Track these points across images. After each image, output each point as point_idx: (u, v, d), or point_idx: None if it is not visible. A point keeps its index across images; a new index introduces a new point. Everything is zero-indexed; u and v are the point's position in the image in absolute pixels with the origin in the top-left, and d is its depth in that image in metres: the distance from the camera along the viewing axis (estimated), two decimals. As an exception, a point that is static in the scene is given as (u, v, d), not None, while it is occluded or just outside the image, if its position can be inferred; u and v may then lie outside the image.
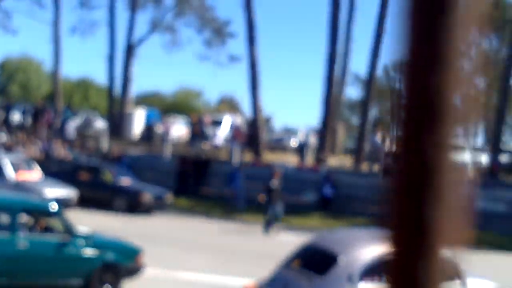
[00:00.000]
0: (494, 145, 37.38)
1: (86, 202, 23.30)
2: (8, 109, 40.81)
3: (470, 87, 1.50)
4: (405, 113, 1.51)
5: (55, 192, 22.08)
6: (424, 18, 1.41)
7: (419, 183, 1.44)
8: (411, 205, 1.45)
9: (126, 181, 26.33)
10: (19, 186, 21.17)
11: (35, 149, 30.18)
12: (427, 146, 1.46)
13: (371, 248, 9.65)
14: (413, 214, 1.44)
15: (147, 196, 25.52)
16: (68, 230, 12.03)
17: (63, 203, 21.54)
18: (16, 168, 22.47)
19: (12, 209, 11.58)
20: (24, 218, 12.07)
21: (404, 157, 1.50)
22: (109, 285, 12.36)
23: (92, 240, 12.27)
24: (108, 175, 26.11)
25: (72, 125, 37.63)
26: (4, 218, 11.53)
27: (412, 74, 1.49)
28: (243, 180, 28.92)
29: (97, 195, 25.04)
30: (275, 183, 23.00)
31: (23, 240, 11.44)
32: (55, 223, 12.32)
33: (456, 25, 1.40)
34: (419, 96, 1.48)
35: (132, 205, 25.16)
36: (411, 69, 1.48)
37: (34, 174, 23.23)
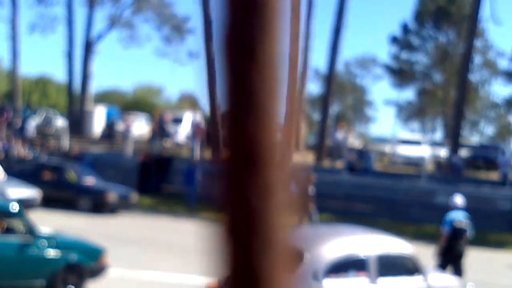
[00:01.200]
0: (453, 140, 37.72)
1: (49, 202, 23.02)
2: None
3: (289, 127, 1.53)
4: (226, 163, 1.59)
5: (19, 192, 21.79)
6: (234, 63, 1.41)
7: (246, 231, 1.55)
8: (240, 253, 1.51)
9: (90, 180, 26.11)
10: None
11: (-6, 149, 29.81)
12: (250, 192, 1.53)
13: (336, 244, 9.71)
14: (242, 262, 1.56)
15: (112, 195, 25.34)
16: (30, 230, 11.86)
17: (27, 204, 21.44)
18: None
19: (-30, 209, 11.40)
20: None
21: (230, 206, 1.52)
22: (73, 286, 12.22)
23: (54, 241, 12.11)
24: (72, 175, 25.84)
25: (32, 124, 37.22)
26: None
27: (230, 120, 1.54)
28: (198, 177, 28.87)
29: (61, 195, 24.79)
30: (310, 189, 22.45)
31: (-18, 241, 11.31)
32: (17, 223, 12.14)
33: (265, 68, 1.40)
34: (237, 143, 1.55)
35: (97, 205, 24.94)
36: (229, 116, 1.54)
37: (-4, 175, 22.95)
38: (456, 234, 14.04)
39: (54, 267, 11.98)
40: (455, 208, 14.52)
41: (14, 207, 12.23)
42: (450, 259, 14.02)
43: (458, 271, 14.03)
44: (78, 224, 21.09)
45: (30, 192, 22.29)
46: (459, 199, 14.74)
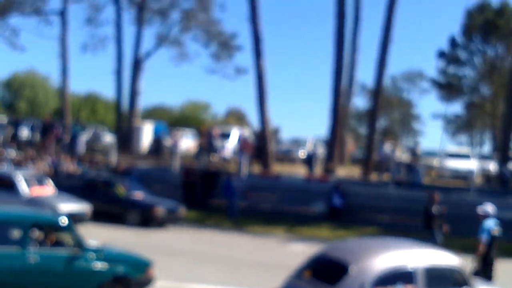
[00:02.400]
0: (502, 152, 37.27)
1: (99, 216, 23.21)
2: (16, 125, 40.91)
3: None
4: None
5: (70, 206, 22.05)
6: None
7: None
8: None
9: (138, 195, 26.28)
10: (33, 202, 21.17)
11: (44, 165, 30.15)
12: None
13: (383, 257, 9.65)
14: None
15: (160, 210, 25.45)
16: (78, 243, 11.98)
17: (78, 218, 21.72)
18: (29, 183, 22.44)
19: (22, 223, 11.55)
20: (34, 232, 12.03)
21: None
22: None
23: (102, 254, 12.21)
24: (120, 189, 26.03)
25: (81, 140, 37.64)
26: (15, 233, 11.49)
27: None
28: (238, 190, 29.03)
29: (110, 209, 24.95)
30: (435, 208, 21.95)
31: (33, 254, 11.39)
32: (65, 237, 12.27)
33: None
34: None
35: (145, 218, 25.07)
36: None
37: (47, 189, 23.17)
38: (492, 242, 13.96)
39: (101, 279, 12.05)
40: (489, 216, 14.39)
41: (63, 221, 12.37)
42: (486, 266, 13.92)
43: (490, 277, 13.94)
44: (126, 237, 21.27)
45: (80, 206, 22.51)
46: (490, 207, 14.60)
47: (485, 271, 13.95)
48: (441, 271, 10.00)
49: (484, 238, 14.02)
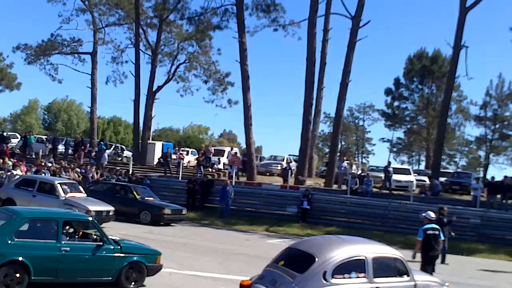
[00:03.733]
0: (434, 169, 37.44)
1: (118, 215, 23.00)
2: (54, 142, 40.69)
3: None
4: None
5: (98, 207, 21.83)
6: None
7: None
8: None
9: (150, 198, 26.13)
10: (69, 203, 20.98)
11: (76, 174, 29.92)
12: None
13: (341, 250, 9.65)
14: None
15: (167, 211, 25.30)
16: (101, 237, 11.91)
17: (105, 217, 21.57)
18: (65, 189, 22.29)
19: (56, 221, 11.46)
20: (66, 227, 11.98)
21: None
22: (135, 281, 12.23)
23: (121, 245, 12.13)
24: (136, 194, 25.86)
25: (105, 154, 37.45)
26: (51, 228, 11.38)
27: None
28: (230, 196, 28.99)
29: (127, 210, 24.70)
30: (444, 220, 21.29)
31: (65, 245, 11.33)
32: (91, 231, 12.19)
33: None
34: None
35: (156, 218, 24.87)
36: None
37: (80, 194, 22.96)
38: (428, 241, 13.86)
39: (120, 265, 11.96)
40: (432, 221, 14.33)
41: (90, 219, 12.31)
42: (427, 261, 13.88)
43: (433, 269, 13.91)
44: (140, 233, 21.10)
45: (107, 207, 22.26)
46: (432, 214, 14.56)
47: (427, 264, 13.86)
48: (386, 262, 10.00)
49: (419, 237, 13.95)
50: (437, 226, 14.22)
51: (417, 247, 14.01)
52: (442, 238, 14.33)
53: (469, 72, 38.17)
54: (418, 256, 13.95)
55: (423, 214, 14.63)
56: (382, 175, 39.29)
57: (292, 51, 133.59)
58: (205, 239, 21.92)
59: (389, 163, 37.30)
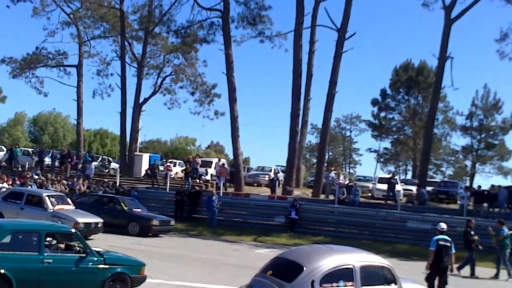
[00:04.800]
0: (421, 178, 37.44)
1: (106, 227, 22.74)
2: (40, 154, 40.38)
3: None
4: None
5: (87, 219, 21.60)
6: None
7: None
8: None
9: (138, 210, 25.88)
10: (57, 215, 20.73)
11: (62, 186, 29.64)
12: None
13: (328, 260, 9.57)
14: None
15: (155, 222, 25.10)
16: (85, 248, 11.71)
17: (93, 229, 21.32)
18: (53, 201, 22.01)
19: (39, 232, 11.26)
20: (49, 239, 11.77)
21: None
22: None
23: (104, 257, 11.94)
24: (123, 205, 25.59)
25: (92, 166, 37.14)
26: (33, 240, 11.19)
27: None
28: (216, 206, 28.87)
29: (115, 221, 24.44)
30: (472, 233, 20.51)
31: (48, 257, 11.13)
32: (74, 243, 11.97)
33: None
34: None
35: (144, 229, 24.63)
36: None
37: (68, 206, 22.70)
38: (440, 251, 13.69)
39: (103, 277, 11.77)
40: (443, 232, 14.15)
41: (72, 231, 12.09)
42: (440, 271, 13.71)
43: (444, 282, 13.74)
44: (128, 244, 20.92)
45: (95, 219, 22.02)
46: (444, 225, 14.37)
47: (440, 276, 13.71)
48: (374, 271, 9.92)
49: (432, 247, 13.77)
50: (448, 238, 14.07)
51: (430, 257, 13.84)
52: (453, 251, 14.16)
53: (454, 82, 38.28)
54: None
55: (439, 225, 14.44)
56: (370, 185, 39.33)
57: (279, 63, 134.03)
58: (193, 250, 21.71)
59: (394, 174, 37.41)
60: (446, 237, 14.02)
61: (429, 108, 42.66)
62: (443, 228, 14.18)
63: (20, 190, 23.76)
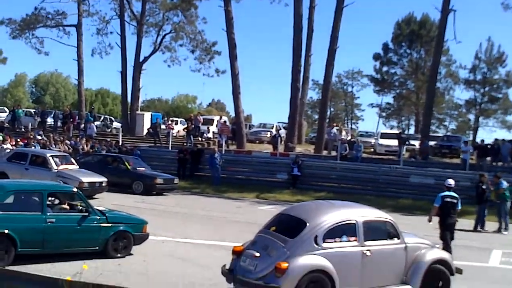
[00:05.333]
0: (423, 133, 37.34)
1: (111, 186, 22.78)
2: (42, 115, 40.31)
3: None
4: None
5: (92, 179, 21.62)
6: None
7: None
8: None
9: (141, 169, 25.87)
10: (61, 175, 20.73)
11: (66, 146, 29.64)
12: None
13: (331, 215, 9.63)
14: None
15: (159, 180, 25.10)
16: (87, 208, 11.74)
17: (99, 188, 21.37)
18: (57, 161, 22.00)
19: (41, 192, 11.25)
20: (51, 199, 11.81)
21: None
22: (122, 250, 12.14)
23: (106, 215, 12.00)
24: (127, 164, 25.58)
25: (94, 126, 37.09)
26: (35, 200, 11.22)
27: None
28: (219, 163, 28.95)
29: (119, 181, 24.40)
30: (484, 187, 20.24)
31: (51, 216, 11.16)
32: (77, 202, 11.99)
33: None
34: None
35: (148, 188, 24.63)
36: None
37: (72, 166, 22.68)
38: (445, 207, 13.63)
39: (106, 236, 11.87)
40: (451, 188, 13.99)
41: (74, 190, 12.09)
42: (445, 228, 13.66)
43: (451, 238, 13.68)
44: (132, 202, 21.01)
45: (100, 179, 22.04)
46: (451, 181, 14.16)
47: (445, 231, 13.69)
48: (377, 225, 9.97)
49: (436, 203, 13.67)
50: (456, 195, 13.92)
51: (432, 212, 13.73)
52: (459, 207, 14.07)
53: (457, 36, 38.13)
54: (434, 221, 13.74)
55: (447, 181, 14.26)
56: (372, 140, 39.30)
57: (279, 19, 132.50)
58: (197, 207, 21.78)
59: (403, 130, 37.28)
60: (453, 193, 13.86)
61: (431, 62, 42.32)
62: (450, 184, 14.01)
63: (24, 151, 23.74)
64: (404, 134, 36.36)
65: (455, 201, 13.75)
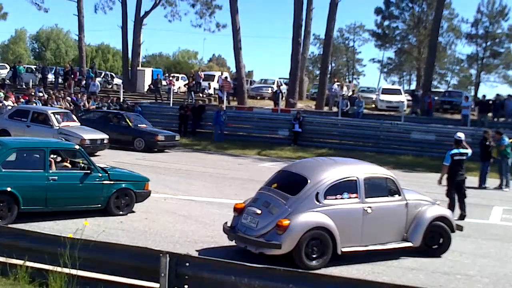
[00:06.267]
0: (426, 88, 37.13)
1: (112, 143, 22.77)
2: (43, 71, 40.09)
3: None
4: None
5: (93, 136, 21.57)
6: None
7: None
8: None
9: (143, 126, 25.80)
10: (63, 132, 20.65)
11: (66, 103, 29.50)
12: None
13: (332, 172, 9.64)
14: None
15: (161, 137, 24.99)
16: (89, 165, 11.72)
17: (100, 145, 21.39)
18: (58, 118, 21.92)
19: (43, 149, 11.22)
20: (53, 156, 11.80)
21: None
22: (124, 207, 12.19)
23: (108, 173, 11.98)
24: (128, 121, 25.49)
25: (95, 82, 36.89)
26: (38, 157, 11.20)
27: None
28: (222, 119, 28.79)
29: (120, 138, 24.33)
30: (487, 143, 19.75)
31: (53, 174, 11.16)
32: (79, 160, 11.98)
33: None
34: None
35: (149, 145, 24.55)
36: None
37: (73, 123, 22.60)
38: (456, 165, 13.48)
39: (108, 193, 11.89)
40: (461, 142, 13.69)
41: (76, 147, 12.05)
42: (453, 186, 13.57)
43: (463, 195, 13.65)
44: (134, 160, 21.04)
45: (101, 136, 21.99)
46: (461, 135, 13.89)
47: (457, 189, 13.61)
48: (378, 182, 9.98)
49: (445, 162, 13.48)
50: (465, 151, 13.73)
51: (443, 172, 13.51)
52: (470, 155, 13.83)
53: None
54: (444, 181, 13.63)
55: (456, 135, 13.99)
56: (373, 96, 39.14)
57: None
58: (199, 164, 21.79)
59: (417, 86, 37.01)
60: (462, 150, 13.66)
61: (433, 16, 41.87)
62: (460, 137, 13.74)
63: (26, 108, 23.61)
64: (417, 91, 36.03)
65: (464, 157, 13.60)
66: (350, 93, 36.89)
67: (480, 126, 27.38)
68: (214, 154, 25.78)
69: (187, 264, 6.84)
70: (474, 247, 11.28)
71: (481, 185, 19.68)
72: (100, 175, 11.78)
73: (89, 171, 11.63)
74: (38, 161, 11.13)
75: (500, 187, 19.66)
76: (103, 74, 46.71)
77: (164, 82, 39.57)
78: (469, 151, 13.84)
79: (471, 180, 19.81)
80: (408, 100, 37.22)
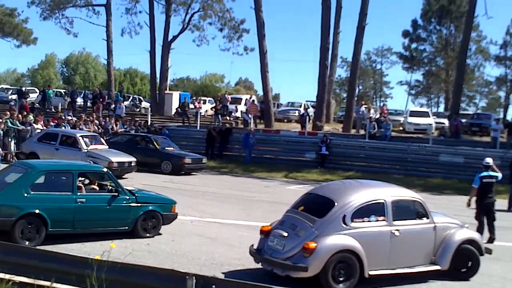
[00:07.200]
0: (454, 111, 36.83)
1: (139, 166, 22.92)
2: (72, 95, 40.60)
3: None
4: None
5: (121, 159, 21.73)
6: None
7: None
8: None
9: (170, 148, 25.94)
10: (91, 155, 20.88)
11: (95, 126, 29.81)
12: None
13: (360, 195, 9.61)
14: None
15: (188, 160, 25.09)
16: (117, 187, 11.81)
17: (128, 168, 21.56)
18: (86, 141, 22.17)
19: (71, 172, 11.35)
20: (81, 179, 11.91)
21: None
22: (151, 230, 12.23)
23: (136, 195, 12.05)
24: (156, 144, 25.66)
25: (123, 106, 37.27)
26: (66, 180, 11.32)
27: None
28: (251, 142, 28.93)
29: (148, 160, 24.50)
30: None
31: (81, 196, 11.28)
32: (106, 182, 12.08)
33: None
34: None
35: (176, 168, 24.62)
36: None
37: (101, 146, 22.85)
38: (483, 188, 13.33)
39: (135, 216, 11.95)
40: (489, 167, 13.55)
41: (104, 170, 12.16)
42: (482, 208, 13.42)
43: (492, 218, 13.51)
44: (161, 182, 21.12)
45: (129, 158, 22.13)
46: (489, 160, 13.77)
47: (486, 212, 13.44)
48: (406, 205, 9.91)
49: (475, 184, 13.37)
50: (495, 173, 13.60)
51: (472, 194, 13.44)
52: (499, 178, 13.70)
53: (488, 11, 37.18)
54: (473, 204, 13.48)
55: (485, 161, 13.90)
56: (401, 118, 38.93)
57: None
58: (226, 187, 21.82)
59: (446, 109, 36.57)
60: (491, 172, 13.53)
61: (461, 38, 41.66)
62: (488, 163, 13.63)
63: (55, 131, 23.94)
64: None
65: (493, 180, 13.48)
66: (377, 116, 36.74)
67: (509, 148, 27.04)
68: (241, 177, 25.78)
69: (213, 286, 6.81)
70: (503, 271, 11.12)
71: (511, 208, 19.37)
72: (128, 197, 11.86)
73: (116, 194, 11.72)
74: (66, 183, 11.24)
75: None
76: (131, 98, 47.17)
77: (191, 106, 39.83)
78: (499, 174, 13.73)
79: (501, 203, 19.55)
80: (438, 123, 36.92)
